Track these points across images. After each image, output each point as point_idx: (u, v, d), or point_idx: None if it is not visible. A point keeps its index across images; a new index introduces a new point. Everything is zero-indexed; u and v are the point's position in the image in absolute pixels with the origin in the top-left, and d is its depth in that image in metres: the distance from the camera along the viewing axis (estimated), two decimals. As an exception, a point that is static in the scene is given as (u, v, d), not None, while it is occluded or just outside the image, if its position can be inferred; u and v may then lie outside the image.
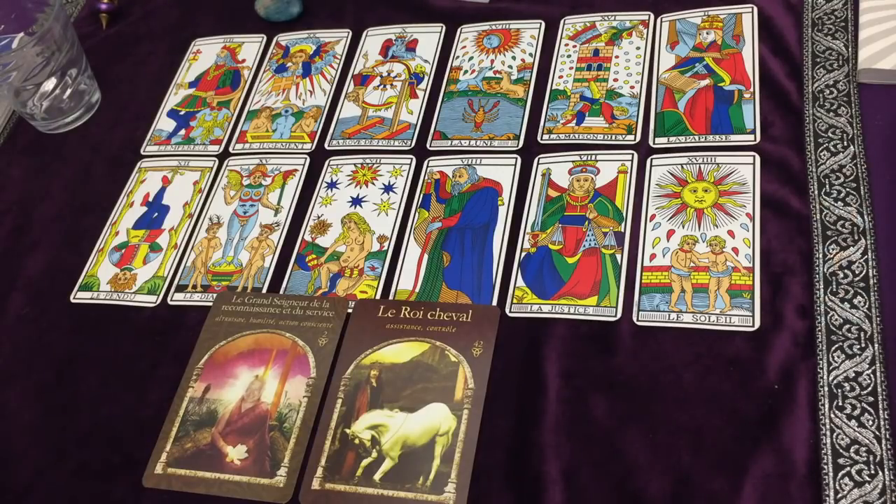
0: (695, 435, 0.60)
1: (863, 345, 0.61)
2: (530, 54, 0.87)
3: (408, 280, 0.74)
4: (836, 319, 0.63)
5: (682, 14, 0.86)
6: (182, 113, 0.94)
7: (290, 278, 0.77)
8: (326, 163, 0.85)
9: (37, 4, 0.92)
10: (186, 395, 0.70)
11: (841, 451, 0.57)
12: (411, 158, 0.83)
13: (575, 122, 0.80)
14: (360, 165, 0.83)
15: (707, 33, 0.83)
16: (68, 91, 0.93)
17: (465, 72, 0.88)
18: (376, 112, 0.87)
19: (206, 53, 1.00)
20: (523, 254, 0.73)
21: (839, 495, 0.56)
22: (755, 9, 0.83)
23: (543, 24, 0.90)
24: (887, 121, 0.72)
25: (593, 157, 0.77)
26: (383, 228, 0.78)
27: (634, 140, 0.77)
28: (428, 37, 0.93)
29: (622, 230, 0.72)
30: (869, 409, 0.58)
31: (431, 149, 0.83)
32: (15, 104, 0.93)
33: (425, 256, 0.75)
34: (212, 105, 0.93)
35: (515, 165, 0.79)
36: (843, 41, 0.78)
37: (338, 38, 0.96)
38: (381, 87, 0.90)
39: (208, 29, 1.02)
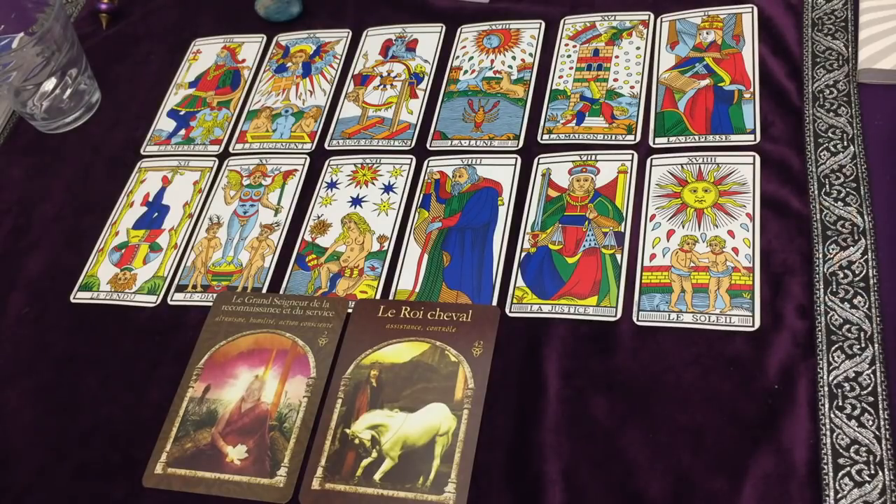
0: (695, 435, 0.60)
1: (863, 345, 0.61)
2: (530, 54, 0.87)
3: (408, 280, 0.74)
4: (836, 319, 0.63)
5: (682, 14, 0.86)
6: (182, 113, 0.94)
7: (290, 278, 0.77)
8: (326, 163, 0.85)
9: (37, 4, 0.92)
10: (186, 395, 0.70)
11: (841, 451, 0.57)
12: (411, 158, 0.83)
13: (575, 122, 0.80)
14: (360, 165, 0.83)
15: (707, 33, 0.83)
16: (68, 91, 0.93)
17: (465, 72, 0.88)
18: (376, 112, 0.87)
19: (206, 53, 1.00)
20: (523, 254, 0.73)
21: (839, 495, 0.56)
22: (755, 9, 0.83)
23: (543, 24, 0.90)
24: (887, 121, 0.72)
25: (593, 157, 0.77)
26: (383, 228, 0.78)
27: (634, 140, 0.77)
28: (428, 37, 0.93)
29: (622, 230, 0.72)
30: (869, 409, 0.58)
31: (431, 149, 0.83)
32: (15, 104, 0.93)
33: (425, 256, 0.75)
34: (212, 105, 0.93)
35: (515, 165, 0.79)
36: (843, 41, 0.78)
37: (338, 38, 0.96)
38: (381, 87, 0.90)
39: (208, 29, 1.02)
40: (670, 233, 0.70)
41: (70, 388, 0.74)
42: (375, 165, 0.83)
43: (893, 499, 0.55)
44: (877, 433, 0.57)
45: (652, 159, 0.76)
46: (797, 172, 0.71)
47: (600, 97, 0.81)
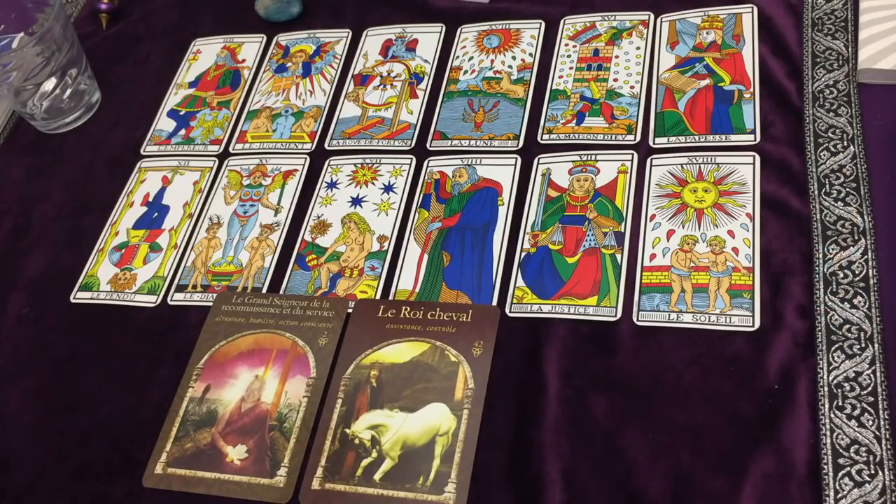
0: (695, 435, 0.60)
1: (863, 345, 0.61)
2: (530, 54, 0.87)
3: (408, 280, 0.74)
4: (836, 319, 0.63)
5: (682, 14, 0.86)
6: (182, 113, 0.94)
7: (290, 278, 0.77)
8: (326, 163, 0.85)
9: (37, 4, 0.92)
10: (186, 395, 0.70)
11: (841, 451, 0.57)
12: (411, 158, 0.83)
13: (575, 122, 0.80)
14: (360, 165, 0.83)
15: (707, 33, 0.83)
16: (68, 91, 0.93)
17: (465, 72, 0.88)
18: (376, 112, 0.87)
19: (206, 53, 1.00)
20: (523, 254, 0.73)
21: (839, 495, 0.56)
22: (755, 9, 0.83)
23: (543, 24, 0.90)
24: (887, 121, 0.72)
25: (593, 157, 0.77)
26: (383, 228, 0.78)
27: (634, 140, 0.77)
28: (428, 37, 0.93)
29: (622, 230, 0.72)
30: (869, 409, 0.58)
31: (431, 149, 0.83)
32: (15, 104, 0.93)
33: (425, 256, 0.75)
34: (212, 105, 0.93)
35: (515, 165, 0.79)
36: (843, 41, 0.78)
37: (338, 38, 0.96)
38: (381, 87, 0.90)
39: (208, 29, 1.02)
40: (670, 233, 0.70)
41: (70, 388, 0.74)
42: (375, 165, 0.83)
43: (893, 499, 0.55)
44: (877, 433, 0.57)
45: (652, 159, 0.76)
46: (797, 172, 0.71)
47: (600, 97, 0.81)
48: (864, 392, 0.59)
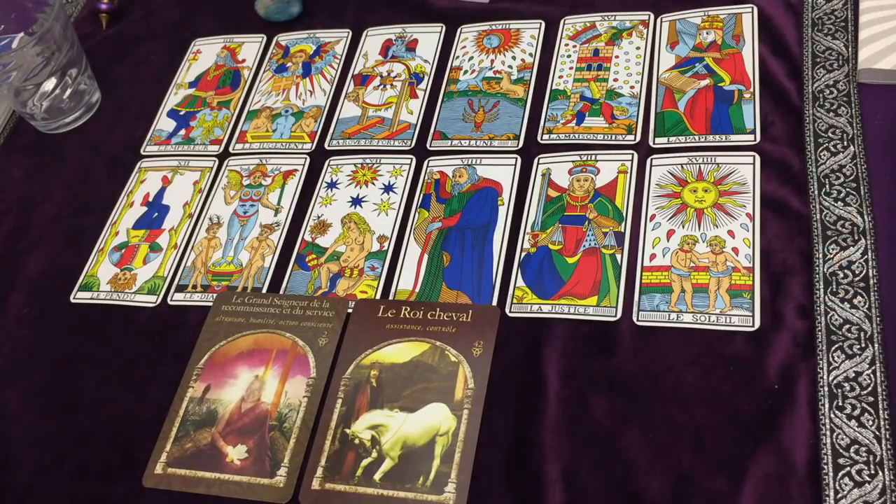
0: (695, 435, 0.60)
1: (863, 345, 0.61)
2: (530, 54, 0.87)
3: (408, 280, 0.74)
4: (836, 319, 0.63)
5: (682, 14, 0.86)
6: (182, 113, 0.94)
7: (290, 278, 0.77)
8: (326, 163, 0.85)
9: (37, 4, 0.92)
10: (186, 395, 0.70)
11: (841, 451, 0.57)
12: (411, 158, 0.83)
13: (575, 122, 0.80)
14: (360, 165, 0.83)
15: (707, 33, 0.83)
16: (68, 91, 0.93)
17: (465, 72, 0.88)
18: (376, 112, 0.87)
19: (206, 53, 1.00)
20: (523, 254, 0.73)
21: (839, 495, 0.56)
22: (755, 9, 0.83)
23: (543, 24, 0.90)
24: (887, 121, 0.72)
25: (593, 157, 0.77)
26: (383, 228, 0.78)
27: (634, 140, 0.77)
28: (428, 37, 0.93)
29: (622, 230, 0.72)
30: (869, 409, 0.58)
31: (431, 149, 0.83)
32: (15, 104, 0.93)
33: (425, 256, 0.75)
34: (212, 105, 0.93)
35: (515, 165, 0.79)
36: (843, 41, 0.78)
37: (338, 38, 0.96)
38: (381, 87, 0.90)
39: (208, 29, 1.02)
40: (670, 233, 0.70)
41: (70, 388, 0.74)
42: (375, 165, 0.83)
43: (893, 499, 0.55)
44: (877, 433, 0.57)
45: (652, 159, 0.76)
46: (797, 172, 0.71)
47: (600, 97, 0.81)
48: (864, 392, 0.59)
